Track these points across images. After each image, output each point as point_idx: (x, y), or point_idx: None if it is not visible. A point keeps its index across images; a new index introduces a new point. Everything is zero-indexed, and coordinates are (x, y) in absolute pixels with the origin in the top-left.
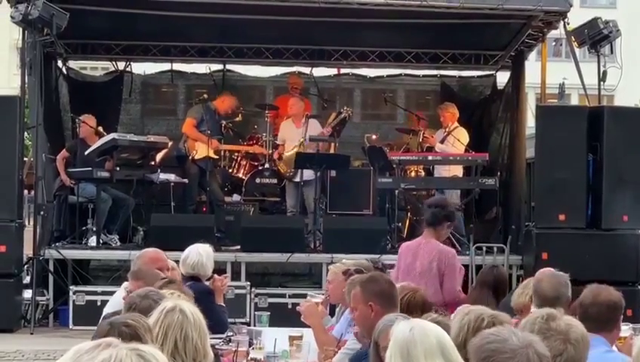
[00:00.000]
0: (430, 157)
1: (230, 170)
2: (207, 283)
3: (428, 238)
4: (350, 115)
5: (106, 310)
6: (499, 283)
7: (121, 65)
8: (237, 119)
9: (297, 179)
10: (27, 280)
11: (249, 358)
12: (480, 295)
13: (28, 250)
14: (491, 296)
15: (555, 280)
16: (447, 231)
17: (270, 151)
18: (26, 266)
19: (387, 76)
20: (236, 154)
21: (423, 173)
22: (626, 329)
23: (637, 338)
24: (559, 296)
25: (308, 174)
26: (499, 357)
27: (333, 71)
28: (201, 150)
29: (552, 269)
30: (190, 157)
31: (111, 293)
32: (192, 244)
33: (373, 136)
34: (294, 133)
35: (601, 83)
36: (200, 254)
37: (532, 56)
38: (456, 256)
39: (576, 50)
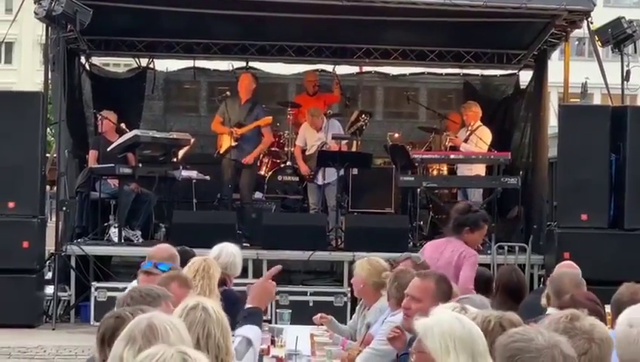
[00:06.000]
0: (452, 156)
1: None
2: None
3: (453, 239)
4: (366, 122)
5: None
6: (521, 287)
7: (143, 61)
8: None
9: (319, 182)
10: (49, 276)
11: (271, 356)
12: (501, 300)
13: (50, 246)
14: (512, 301)
15: (578, 280)
16: (471, 237)
17: (292, 149)
18: (48, 262)
19: (410, 74)
20: None
21: (445, 172)
22: None
23: (621, 315)
24: None
25: (329, 176)
26: (524, 356)
27: (355, 69)
28: (224, 143)
29: (568, 267)
30: (216, 153)
31: None
32: (213, 241)
33: (396, 135)
34: (314, 137)
35: (625, 82)
36: (233, 254)
37: (555, 55)
38: (476, 256)
39: (600, 50)
